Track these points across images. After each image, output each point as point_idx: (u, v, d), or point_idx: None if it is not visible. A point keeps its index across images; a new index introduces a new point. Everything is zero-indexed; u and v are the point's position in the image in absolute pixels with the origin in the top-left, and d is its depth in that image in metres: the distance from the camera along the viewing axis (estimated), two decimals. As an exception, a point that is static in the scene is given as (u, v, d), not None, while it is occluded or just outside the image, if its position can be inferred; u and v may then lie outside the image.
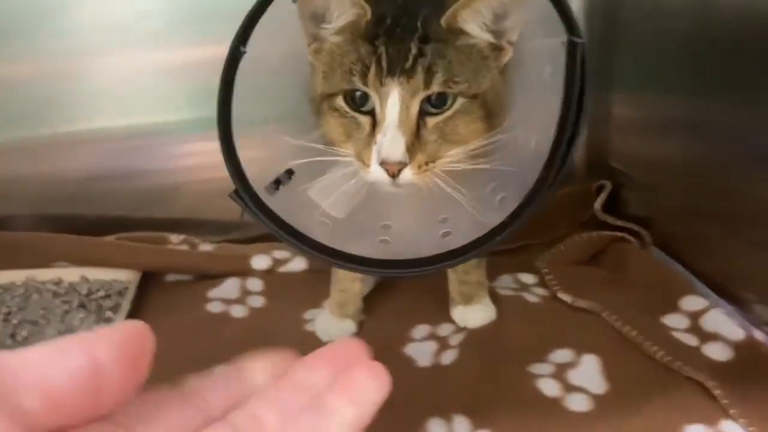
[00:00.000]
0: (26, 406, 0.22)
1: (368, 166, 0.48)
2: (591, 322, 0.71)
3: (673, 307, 0.71)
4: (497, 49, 0.49)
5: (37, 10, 0.86)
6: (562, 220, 0.92)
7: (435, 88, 0.46)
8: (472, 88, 0.47)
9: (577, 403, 0.60)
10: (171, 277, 0.88)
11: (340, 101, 0.50)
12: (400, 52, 0.46)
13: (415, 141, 0.46)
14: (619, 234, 0.84)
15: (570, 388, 0.62)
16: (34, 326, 0.75)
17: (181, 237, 0.91)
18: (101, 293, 0.82)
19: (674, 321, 0.69)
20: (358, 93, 0.49)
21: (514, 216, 0.48)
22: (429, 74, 0.46)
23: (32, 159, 0.93)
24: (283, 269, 0.86)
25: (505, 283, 0.81)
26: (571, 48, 0.45)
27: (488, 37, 0.48)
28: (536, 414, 0.59)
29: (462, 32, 0.47)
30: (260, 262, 0.86)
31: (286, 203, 0.50)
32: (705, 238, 0.77)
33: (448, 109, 0.47)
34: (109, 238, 0.88)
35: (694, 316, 0.69)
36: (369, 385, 0.28)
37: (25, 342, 0.73)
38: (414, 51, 0.46)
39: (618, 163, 0.92)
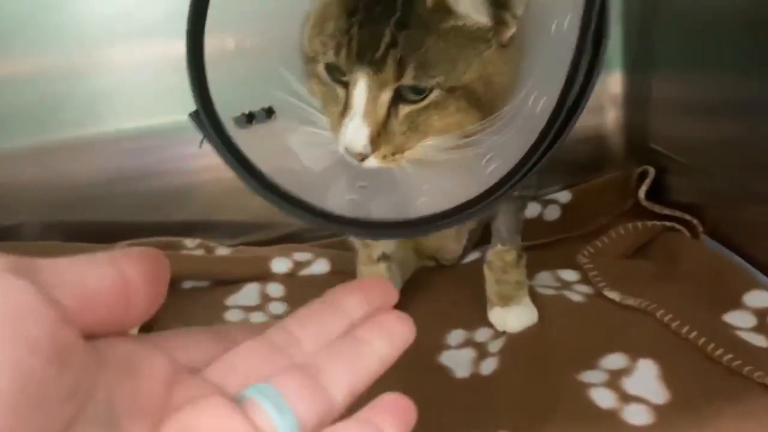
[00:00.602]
0: (64, 300, 0.22)
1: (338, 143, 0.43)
2: (644, 322, 0.64)
3: (737, 304, 0.64)
4: (500, 24, 0.43)
5: (37, 6, 0.82)
6: (601, 210, 0.85)
7: (406, 81, 0.41)
8: (449, 81, 0.41)
9: (637, 416, 0.54)
10: (187, 284, 0.83)
11: (320, 68, 0.44)
12: (373, 38, 0.41)
13: (381, 131, 0.42)
14: (668, 223, 0.77)
15: (627, 398, 0.56)
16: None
17: (197, 241, 0.86)
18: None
19: (738, 319, 0.63)
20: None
21: (491, 191, 0.39)
22: (400, 66, 0.41)
23: (39, 163, 0.89)
24: (304, 272, 0.81)
25: (544, 281, 0.75)
26: None
27: (483, 18, 0.42)
28: (592, 427, 0.53)
29: (450, 12, 0.41)
30: (280, 265, 0.81)
31: (258, 145, 0.42)
32: (764, 225, 0.70)
33: (422, 99, 0.42)
34: (122, 245, 0.83)
35: (762, 314, 0.62)
36: (398, 328, 0.31)
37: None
38: (387, 39, 0.41)
39: (661, 146, 0.85)
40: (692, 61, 0.79)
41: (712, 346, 0.58)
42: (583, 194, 0.88)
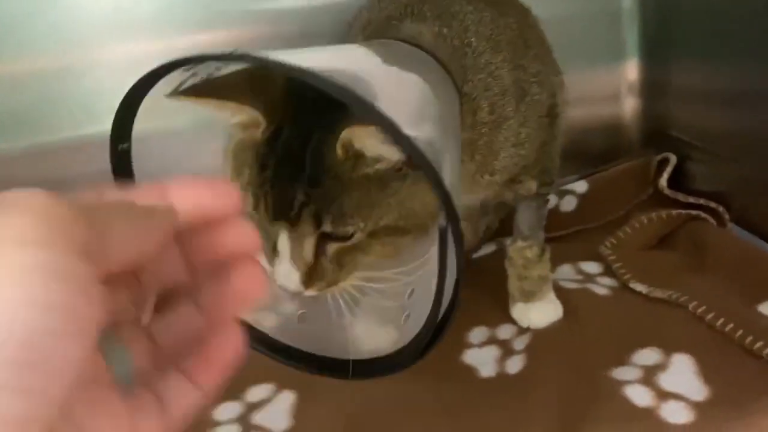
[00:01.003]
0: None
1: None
2: (674, 315, 0.61)
3: (772, 293, 0.61)
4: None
5: (33, 6, 0.78)
6: (619, 200, 0.83)
7: (326, 230, 0.41)
8: (368, 227, 0.41)
9: (676, 414, 0.51)
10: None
11: (247, 206, 0.43)
12: (285, 198, 0.40)
13: (313, 271, 0.43)
14: (693, 212, 0.74)
15: (664, 395, 0.53)
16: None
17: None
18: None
19: (774, 309, 0.60)
20: None
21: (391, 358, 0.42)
22: (316, 220, 0.41)
23: (35, 164, 0.85)
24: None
25: (566, 274, 0.72)
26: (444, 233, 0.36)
27: (395, 155, 0.40)
28: (630, 426, 0.50)
29: (361, 157, 0.40)
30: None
31: None
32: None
33: (348, 239, 0.42)
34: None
35: (799, 304, 0.59)
36: None
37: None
38: (300, 198, 0.40)
39: (681, 133, 0.82)
40: (712, 49, 0.76)
41: (750, 339, 0.56)
42: (600, 184, 0.85)
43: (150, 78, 0.35)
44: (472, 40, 0.54)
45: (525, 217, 0.64)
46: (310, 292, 0.44)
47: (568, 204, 0.85)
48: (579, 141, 0.83)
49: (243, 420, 0.57)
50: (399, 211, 0.42)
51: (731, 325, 0.57)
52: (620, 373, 0.56)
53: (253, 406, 0.59)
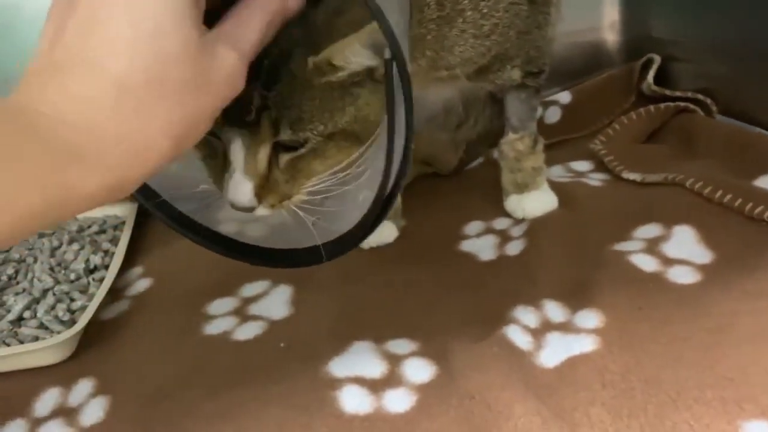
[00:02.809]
0: None
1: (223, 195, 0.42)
2: (672, 193, 0.61)
3: (766, 168, 0.61)
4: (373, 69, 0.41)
5: None
6: (605, 107, 0.82)
7: (283, 136, 0.40)
8: (327, 129, 0.41)
9: (684, 276, 0.51)
10: (172, 209, 0.77)
11: None
12: (241, 102, 0.38)
13: (265, 183, 0.41)
14: (681, 104, 0.74)
15: (669, 262, 0.53)
16: (19, 264, 0.64)
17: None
18: (94, 228, 0.70)
19: (771, 182, 0.60)
20: None
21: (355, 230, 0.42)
22: (275, 126, 0.40)
23: None
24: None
25: (557, 173, 0.72)
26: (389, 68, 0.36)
27: (367, 62, 0.40)
28: (640, 289, 0.50)
29: (333, 68, 0.39)
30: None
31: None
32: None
33: (301, 147, 0.41)
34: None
35: (795, 173, 0.59)
36: None
37: (12, 280, 0.61)
38: (257, 101, 0.39)
39: (662, 35, 0.81)
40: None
41: (750, 205, 0.55)
42: (584, 93, 0.84)
43: None
44: None
45: (514, 109, 0.62)
46: (262, 209, 0.42)
47: (553, 115, 0.84)
48: (561, 56, 0.82)
49: (239, 312, 0.55)
50: (356, 116, 0.41)
51: (730, 196, 0.57)
52: (623, 245, 0.55)
53: (250, 300, 0.57)
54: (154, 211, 0.45)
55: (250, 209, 0.42)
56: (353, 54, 0.39)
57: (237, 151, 0.40)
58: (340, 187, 0.43)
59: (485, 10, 0.53)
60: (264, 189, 0.41)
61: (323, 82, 0.39)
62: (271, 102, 0.39)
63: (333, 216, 0.44)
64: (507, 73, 0.59)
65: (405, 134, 0.37)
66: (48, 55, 0.30)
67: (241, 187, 0.41)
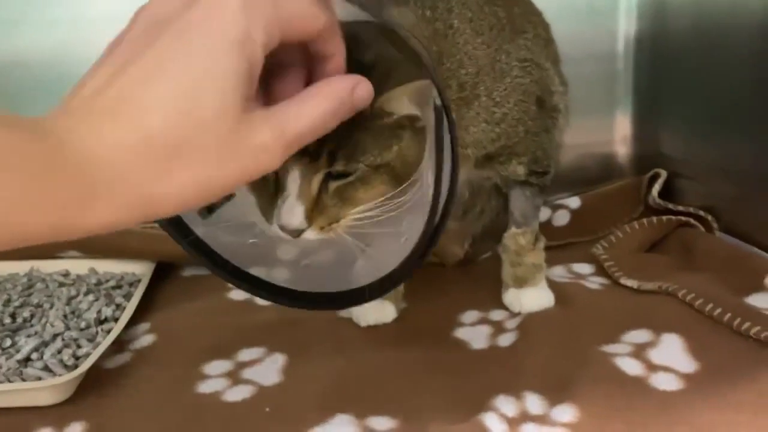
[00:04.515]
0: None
1: (270, 224, 0.46)
2: (664, 303, 0.63)
3: (759, 286, 0.63)
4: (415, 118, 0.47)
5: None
6: (610, 216, 0.84)
7: (337, 167, 0.45)
8: (375, 161, 0.46)
9: (666, 383, 0.52)
10: (188, 272, 0.81)
11: None
12: None
13: (315, 207, 0.46)
14: (683, 218, 0.76)
15: (654, 368, 0.54)
16: (36, 308, 0.67)
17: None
18: (111, 283, 0.74)
19: (762, 301, 0.62)
20: None
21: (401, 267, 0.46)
22: (331, 157, 0.44)
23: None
24: (309, 260, 0.78)
25: (558, 273, 0.74)
26: (439, 114, 0.42)
27: (414, 111, 0.46)
28: (621, 390, 0.51)
29: (387, 114, 0.45)
30: (287, 251, 0.78)
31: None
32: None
33: (350, 175, 0.46)
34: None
35: (786, 294, 0.61)
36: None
37: (26, 322, 0.64)
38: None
39: (672, 152, 0.85)
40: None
41: (738, 320, 0.57)
42: (592, 201, 0.88)
43: None
44: (455, 21, 0.56)
45: (518, 204, 0.65)
46: (312, 232, 0.45)
47: (561, 218, 0.87)
48: (574, 165, 0.87)
49: (232, 375, 0.57)
50: (398, 153, 0.46)
51: (719, 310, 0.58)
52: (611, 348, 0.57)
53: (244, 364, 0.58)
54: (188, 248, 0.47)
55: (300, 231, 0.45)
56: (401, 104, 0.44)
57: (294, 179, 0.44)
58: (382, 227, 0.47)
59: (498, 99, 0.59)
60: (314, 212, 0.45)
61: (377, 125, 0.44)
62: (331, 136, 0.41)
63: (376, 256, 0.48)
64: (513, 167, 0.63)
65: (452, 165, 0.41)
66: (98, 94, 0.31)
67: (295, 211, 0.44)
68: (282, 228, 0.45)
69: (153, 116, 0.30)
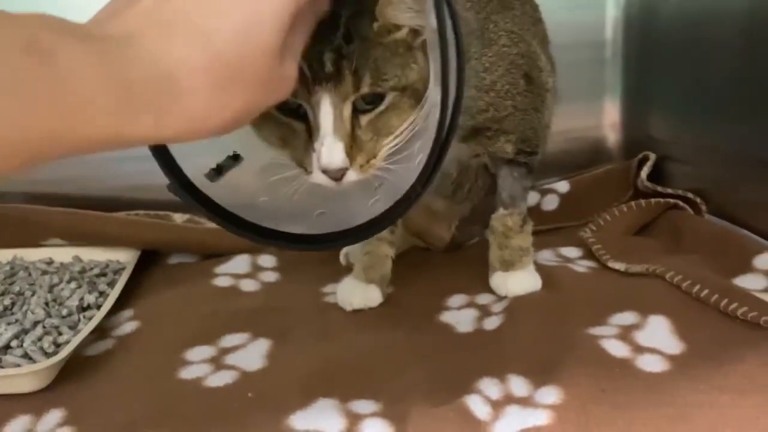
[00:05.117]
0: None
1: (310, 173, 0.46)
2: (652, 285, 0.62)
3: (747, 267, 0.62)
4: (417, 33, 0.46)
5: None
6: (600, 200, 0.84)
7: (365, 89, 0.44)
8: (401, 82, 0.45)
9: (652, 364, 0.51)
10: (174, 259, 0.80)
11: (272, 109, 0.45)
12: (323, 57, 0.43)
13: (353, 143, 0.45)
14: (671, 200, 0.76)
15: (640, 349, 0.53)
16: (18, 296, 0.66)
17: (186, 216, 0.83)
18: (96, 271, 0.73)
19: (750, 282, 0.61)
20: (289, 100, 0.44)
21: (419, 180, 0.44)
22: (356, 77, 0.44)
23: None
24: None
25: (545, 257, 0.73)
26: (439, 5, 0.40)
27: (417, 22, 0.45)
28: (607, 372, 0.50)
29: (393, 28, 0.45)
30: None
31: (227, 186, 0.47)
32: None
33: (380, 104, 0.45)
34: (108, 214, 0.80)
35: (773, 275, 0.60)
36: None
37: (7, 310, 0.64)
38: (337, 54, 0.43)
39: (660, 135, 0.85)
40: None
41: (725, 301, 0.56)
42: (581, 185, 0.87)
43: None
44: None
45: (506, 185, 0.65)
46: (353, 173, 0.45)
47: (551, 203, 0.87)
48: (563, 149, 0.86)
49: (215, 361, 0.56)
50: (420, 76, 0.46)
51: (707, 291, 0.58)
52: (597, 330, 0.56)
53: (228, 350, 0.58)
54: (183, 195, 0.45)
55: (343, 171, 0.44)
56: (401, 9, 0.43)
57: (326, 112, 0.44)
58: (404, 150, 0.47)
59: (487, 65, 0.58)
60: (353, 149, 0.45)
61: (391, 41, 0.44)
62: (349, 54, 0.43)
63: (394, 184, 0.46)
64: (501, 144, 0.62)
65: (457, 63, 0.41)
66: (158, 9, 0.32)
67: (335, 148, 0.44)
68: (325, 170, 0.44)
69: (217, 39, 0.32)
